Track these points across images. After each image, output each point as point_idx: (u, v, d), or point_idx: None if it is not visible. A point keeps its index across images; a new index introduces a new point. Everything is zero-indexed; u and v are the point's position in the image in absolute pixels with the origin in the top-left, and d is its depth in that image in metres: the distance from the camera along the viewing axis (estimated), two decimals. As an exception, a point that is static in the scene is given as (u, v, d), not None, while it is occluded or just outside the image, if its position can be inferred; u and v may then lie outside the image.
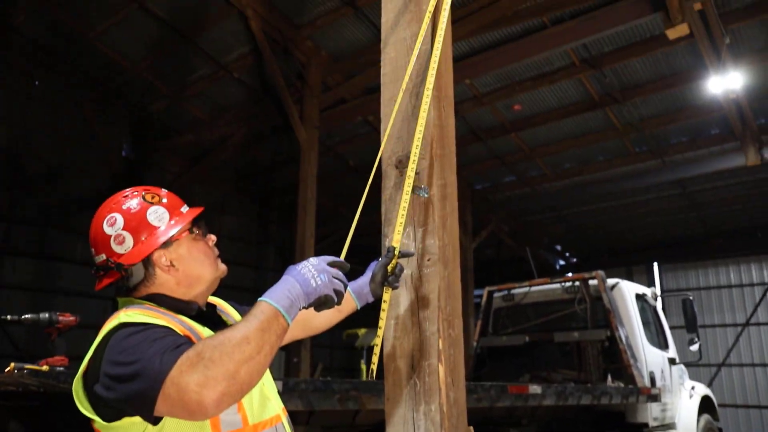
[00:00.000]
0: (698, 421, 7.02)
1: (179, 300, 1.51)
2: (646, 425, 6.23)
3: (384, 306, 1.65)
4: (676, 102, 10.14)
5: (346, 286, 1.42)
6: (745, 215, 14.26)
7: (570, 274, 7.91)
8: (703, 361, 12.82)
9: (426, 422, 1.57)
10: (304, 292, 1.32)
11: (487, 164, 12.51)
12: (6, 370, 2.33)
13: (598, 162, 12.16)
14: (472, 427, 1.68)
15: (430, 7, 1.84)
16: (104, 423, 1.29)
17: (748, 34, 8.57)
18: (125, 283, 1.49)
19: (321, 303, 1.37)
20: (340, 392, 3.12)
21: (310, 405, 2.97)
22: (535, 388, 4.63)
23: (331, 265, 1.40)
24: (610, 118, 10.59)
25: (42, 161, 10.28)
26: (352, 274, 1.51)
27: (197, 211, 1.59)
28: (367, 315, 2.26)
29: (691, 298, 7.00)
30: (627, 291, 6.90)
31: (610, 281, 6.84)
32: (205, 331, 1.45)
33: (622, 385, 6.01)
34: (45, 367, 2.44)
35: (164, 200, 1.55)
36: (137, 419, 1.25)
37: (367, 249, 3.42)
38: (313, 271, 1.36)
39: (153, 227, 1.49)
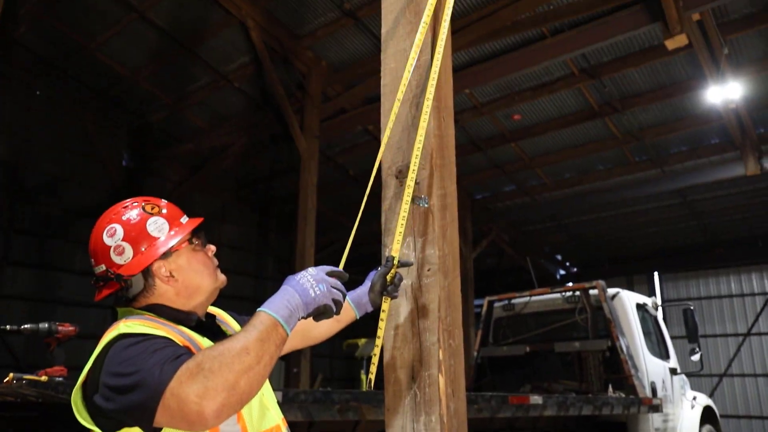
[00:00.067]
0: (700, 431, 6.99)
1: (179, 310, 1.51)
2: (647, 436, 6.21)
3: (383, 316, 1.64)
4: (676, 111, 10.17)
5: (344, 296, 1.42)
6: (746, 224, 14.26)
7: (570, 284, 7.90)
8: (705, 372, 12.77)
9: (426, 433, 1.56)
10: (303, 302, 1.32)
11: (487, 174, 12.52)
12: (5, 381, 2.33)
13: (597, 171, 12.17)
14: (472, 438, 1.67)
15: (430, 18, 1.85)
16: (103, 434, 1.29)
17: (746, 44, 8.61)
18: (125, 293, 1.49)
19: (320, 313, 1.37)
20: (340, 403, 3.11)
21: (310, 416, 2.96)
22: (536, 399, 4.61)
23: (330, 274, 1.40)
24: (610, 127, 10.62)
25: (42, 171, 10.30)
26: (353, 283, 1.50)
27: (197, 221, 1.59)
28: (367, 325, 2.26)
29: (692, 307, 6.97)
30: (628, 301, 6.88)
31: (611, 291, 6.83)
32: (204, 342, 1.45)
33: (623, 395, 5.98)
34: (44, 378, 2.44)
35: (164, 211, 1.56)
36: (136, 430, 1.24)
37: (367, 258, 3.43)
38: (312, 281, 1.36)
39: (153, 238, 1.49)
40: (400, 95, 1.79)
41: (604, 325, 6.56)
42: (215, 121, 11.29)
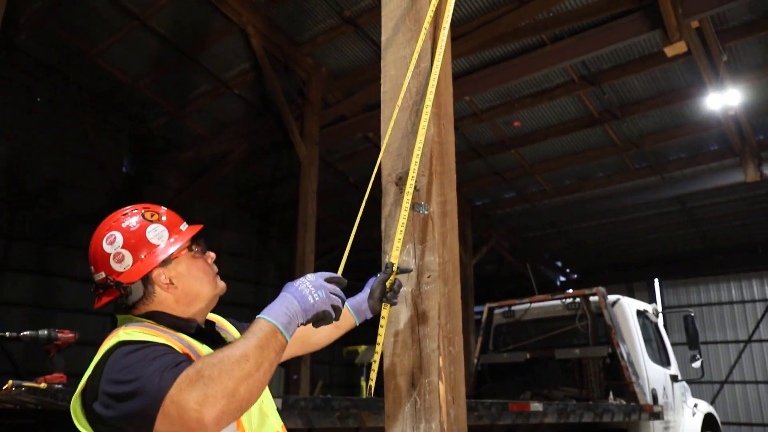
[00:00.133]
0: (701, 438, 6.98)
1: (178, 318, 1.51)
2: (648, 443, 6.19)
3: (382, 322, 1.64)
4: (675, 118, 10.18)
5: (343, 302, 1.43)
6: (745, 231, 14.26)
7: (571, 291, 7.89)
8: (706, 378, 12.69)
9: (426, 440, 1.56)
10: (302, 309, 1.32)
11: (486, 180, 12.54)
12: (4, 388, 2.32)
13: (597, 178, 12.19)
14: (472, 446, 1.67)
15: (430, 25, 1.85)
16: (102, 441, 1.28)
17: (746, 52, 8.63)
18: (124, 300, 1.49)
19: (319, 319, 1.37)
20: (340, 410, 3.10)
21: (310, 422, 2.96)
22: (536, 406, 4.60)
23: (329, 281, 1.41)
24: (610, 134, 10.63)
25: (42, 177, 10.30)
26: (352, 289, 1.50)
27: (196, 228, 1.59)
28: (367, 331, 2.25)
29: (692, 314, 6.95)
30: (628, 307, 6.87)
31: (611, 297, 6.82)
32: (204, 349, 1.45)
33: (624, 402, 5.97)
34: (43, 385, 2.43)
35: (163, 218, 1.56)
36: (135, 438, 1.24)
37: (367, 264, 3.42)
38: (311, 288, 1.36)
39: (152, 245, 1.50)
40: (399, 102, 1.79)
41: (605, 331, 6.55)
42: (216, 128, 11.31)
